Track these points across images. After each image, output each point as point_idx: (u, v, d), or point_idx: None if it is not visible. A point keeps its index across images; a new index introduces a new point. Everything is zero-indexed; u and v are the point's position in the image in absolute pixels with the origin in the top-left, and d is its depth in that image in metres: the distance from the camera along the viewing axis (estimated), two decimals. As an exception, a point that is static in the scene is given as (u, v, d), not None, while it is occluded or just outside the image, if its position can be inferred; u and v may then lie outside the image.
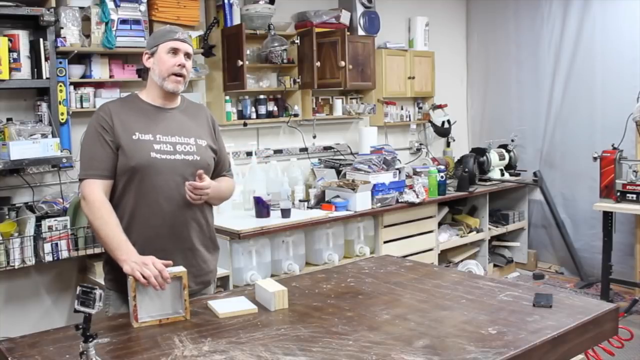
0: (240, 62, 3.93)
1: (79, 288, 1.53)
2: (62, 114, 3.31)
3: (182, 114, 2.21)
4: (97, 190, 2.04)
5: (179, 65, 2.11)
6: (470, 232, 5.02)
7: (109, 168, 2.06)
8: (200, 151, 2.17)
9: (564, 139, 5.37)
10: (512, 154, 5.47)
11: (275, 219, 3.69)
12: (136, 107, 2.16)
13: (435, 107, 5.46)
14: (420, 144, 5.61)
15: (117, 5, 3.46)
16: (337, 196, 4.04)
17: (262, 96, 4.37)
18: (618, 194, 4.39)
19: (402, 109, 5.36)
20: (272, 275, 3.53)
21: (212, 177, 2.30)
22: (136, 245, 2.00)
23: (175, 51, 2.12)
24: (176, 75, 2.11)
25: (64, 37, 3.31)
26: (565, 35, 5.28)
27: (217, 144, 2.29)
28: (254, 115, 4.32)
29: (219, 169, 2.32)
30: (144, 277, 1.85)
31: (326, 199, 4.09)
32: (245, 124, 4.29)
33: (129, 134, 2.07)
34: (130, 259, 1.90)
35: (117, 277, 2.04)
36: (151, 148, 2.08)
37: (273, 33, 4.23)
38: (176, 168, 2.10)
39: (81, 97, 3.48)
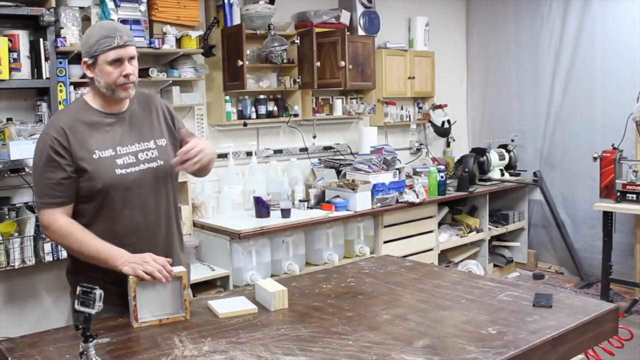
0: (240, 62, 3.93)
1: (79, 288, 1.53)
2: (62, 114, 3.31)
3: (134, 115, 2.07)
4: (58, 216, 1.93)
5: (125, 75, 1.94)
6: (470, 232, 5.02)
7: (68, 194, 1.94)
8: (162, 153, 2.07)
9: (564, 139, 5.37)
10: (512, 154, 5.47)
11: (275, 219, 3.69)
12: (88, 118, 1.98)
13: (435, 107, 5.46)
14: (420, 144, 5.61)
15: (117, 5, 3.46)
16: (337, 196, 4.04)
17: (262, 96, 4.36)
18: (618, 194, 4.39)
19: (402, 109, 5.36)
20: (272, 275, 3.53)
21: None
22: None
23: (118, 61, 1.93)
24: (124, 84, 1.95)
25: (64, 37, 3.31)
26: (565, 35, 5.28)
27: (179, 132, 2.17)
28: (254, 115, 4.32)
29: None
30: (147, 274, 1.84)
31: (326, 199, 4.09)
32: (245, 124, 4.29)
33: (88, 153, 1.93)
34: (128, 261, 1.88)
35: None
36: (114, 164, 1.96)
37: (273, 33, 4.23)
38: (142, 179, 2.01)
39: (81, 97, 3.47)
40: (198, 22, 3.88)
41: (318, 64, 4.36)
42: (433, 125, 5.46)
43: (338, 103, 4.80)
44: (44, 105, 3.30)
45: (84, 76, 3.50)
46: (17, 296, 3.43)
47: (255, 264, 3.53)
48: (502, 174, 5.40)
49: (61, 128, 1.93)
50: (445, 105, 5.48)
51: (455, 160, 5.53)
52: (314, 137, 4.76)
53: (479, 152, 5.27)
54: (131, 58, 1.97)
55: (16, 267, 3.12)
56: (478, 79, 6.07)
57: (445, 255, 4.92)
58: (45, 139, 1.93)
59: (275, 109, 4.42)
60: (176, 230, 2.18)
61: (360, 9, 4.77)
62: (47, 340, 1.77)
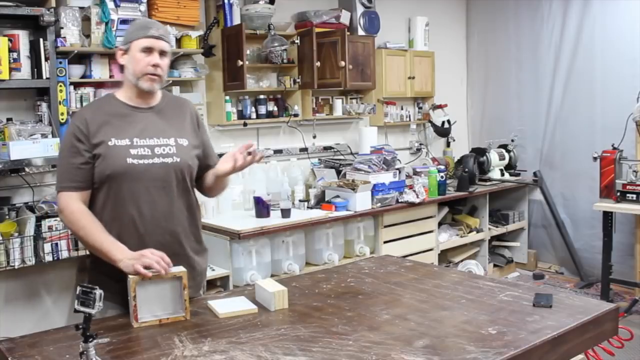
0: (240, 62, 3.93)
1: (79, 288, 1.53)
2: (62, 114, 3.31)
3: (161, 112, 2.12)
4: (73, 201, 1.98)
5: (153, 65, 2.01)
6: (470, 232, 5.02)
7: (85, 179, 2.00)
8: (180, 152, 2.08)
9: (564, 139, 5.37)
10: (512, 154, 5.47)
11: (275, 219, 3.69)
12: (112, 109, 2.06)
13: (435, 107, 5.46)
14: (420, 144, 5.61)
15: (117, 5, 3.46)
16: (337, 196, 4.04)
17: (262, 96, 4.36)
18: (618, 194, 4.39)
19: (402, 109, 5.36)
20: (272, 275, 3.53)
21: (202, 173, 2.23)
22: None
23: (149, 50, 2.01)
24: (150, 74, 2.02)
25: (64, 37, 3.31)
26: (565, 35, 5.28)
27: (201, 139, 2.21)
28: (254, 115, 4.32)
29: (207, 164, 2.23)
30: (145, 268, 1.84)
31: (326, 199, 4.09)
32: (245, 124, 4.29)
33: (104, 141, 1.99)
34: (126, 257, 1.89)
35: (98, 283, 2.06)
36: (127, 153, 2.00)
37: (273, 33, 4.23)
38: (155, 173, 2.02)
39: (81, 97, 3.47)
40: (198, 22, 3.88)
41: (318, 64, 4.36)
42: (433, 125, 5.46)
43: (338, 103, 4.80)
44: (44, 105, 3.30)
45: (84, 76, 3.52)
46: (17, 296, 3.43)
47: (255, 264, 3.53)
48: (502, 174, 5.40)
49: (84, 118, 2.03)
50: (445, 105, 5.48)
51: (455, 160, 5.53)
52: (314, 137, 4.76)
53: (479, 152, 5.27)
54: (162, 52, 2.05)
55: (16, 267, 3.12)
56: (478, 79, 6.07)
57: (445, 255, 4.92)
58: (70, 128, 2.05)
59: (275, 109, 4.42)
60: (189, 231, 2.15)
61: (360, 9, 4.77)
62: (47, 340, 1.77)
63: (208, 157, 2.25)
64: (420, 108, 5.57)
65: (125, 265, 1.88)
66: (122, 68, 2.10)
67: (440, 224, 4.77)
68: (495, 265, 5.36)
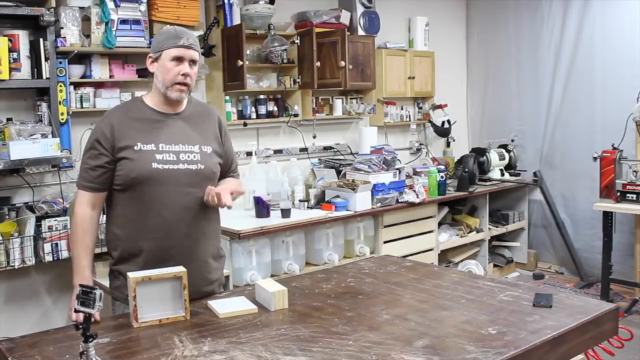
0: (240, 62, 3.93)
1: (79, 288, 1.53)
2: (62, 114, 3.31)
3: (187, 119, 2.15)
4: (83, 203, 2.06)
5: (183, 74, 2.04)
6: (470, 232, 5.02)
7: (99, 181, 2.05)
8: (204, 159, 2.12)
9: (564, 139, 5.37)
10: (512, 154, 5.47)
11: (275, 219, 3.69)
12: (139, 114, 2.10)
13: (435, 107, 5.47)
14: (420, 144, 5.61)
15: (117, 5, 3.46)
16: (337, 196, 4.04)
17: (262, 96, 4.37)
18: (618, 194, 4.39)
19: (402, 109, 5.36)
20: (272, 275, 3.53)
21: (218, 179, 2.24)
22: (142, 254, 2.04)
23: (179, 59, 2.04)
24: (180, 84, 2.05)
25: (64, 37, 3.31)
26: (565, 35, 5.28)
27: (224, 147, 2.24)
28: (254, 115, 4.32)
29: (224, 171, 2.26)
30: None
31: (326, 199, 4.08)
32: (245, 124, 4.29)
33: (130, 145, 2.03)
34: (75, 290, 1.77)
35: (122, 286, 2.07)
36: (153, 158, 2.03)
37: (273, 33, 4.24)
38: (179, 178, 2.06)
39: (81, 97, 3.48)
40: (198, 22, 3.88)
41: (318, 64, 4.36)
42: (433, 125, 5.47)
43: (338, 103, 4.80)
44: (44, 105, 3.30)
45: (83, 76, 3.52)
46: (17, 296, 3.43)
47: (255, 264, 3.53)
48: (502, 174, 5.40)
49: (110, 121, 2.07)
50: (445, 105, 5.48)
51: (455, 160, 5.53)
52: (314, 137, 4.76)
53: (479, 152, 5.27)
54: (192, 61, 2.07)
55: (16, 267, 3.12)
56: (478, 79, 6.07)
57: (445, 255, 4.92)
58: (96, 129, 2.09)
59: (275, 109, 4.42)
60: (210, 237, 2.17)
61: (360, 9, 4.77)
62: (47, 340, 1.77)
63: (228, 165, 2.28)
64: (420, 108, 5.57)
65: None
66: (151, 75, 2.12)
67: (440, 224, 4.77)
68: (495, 265, 5.36)
